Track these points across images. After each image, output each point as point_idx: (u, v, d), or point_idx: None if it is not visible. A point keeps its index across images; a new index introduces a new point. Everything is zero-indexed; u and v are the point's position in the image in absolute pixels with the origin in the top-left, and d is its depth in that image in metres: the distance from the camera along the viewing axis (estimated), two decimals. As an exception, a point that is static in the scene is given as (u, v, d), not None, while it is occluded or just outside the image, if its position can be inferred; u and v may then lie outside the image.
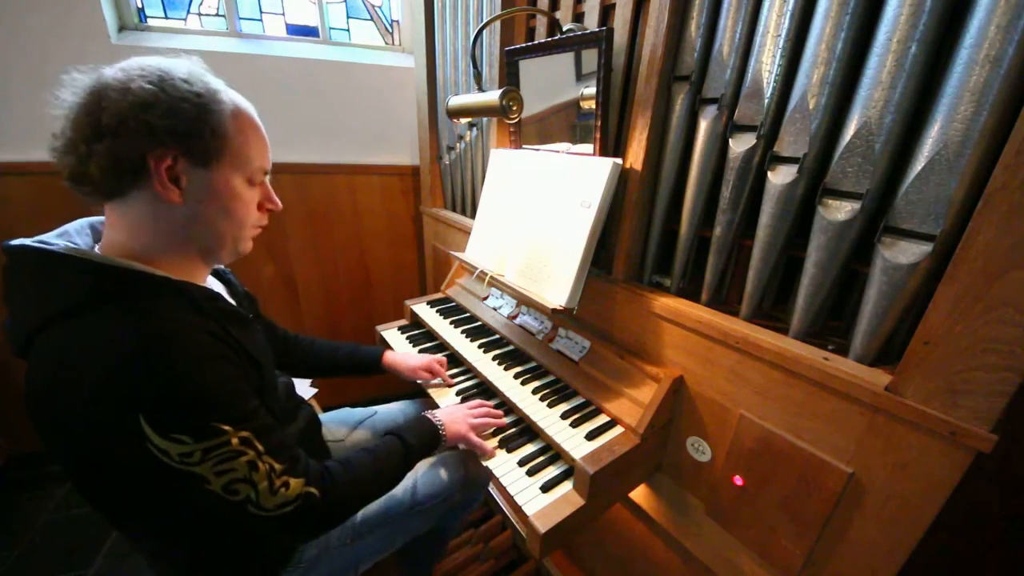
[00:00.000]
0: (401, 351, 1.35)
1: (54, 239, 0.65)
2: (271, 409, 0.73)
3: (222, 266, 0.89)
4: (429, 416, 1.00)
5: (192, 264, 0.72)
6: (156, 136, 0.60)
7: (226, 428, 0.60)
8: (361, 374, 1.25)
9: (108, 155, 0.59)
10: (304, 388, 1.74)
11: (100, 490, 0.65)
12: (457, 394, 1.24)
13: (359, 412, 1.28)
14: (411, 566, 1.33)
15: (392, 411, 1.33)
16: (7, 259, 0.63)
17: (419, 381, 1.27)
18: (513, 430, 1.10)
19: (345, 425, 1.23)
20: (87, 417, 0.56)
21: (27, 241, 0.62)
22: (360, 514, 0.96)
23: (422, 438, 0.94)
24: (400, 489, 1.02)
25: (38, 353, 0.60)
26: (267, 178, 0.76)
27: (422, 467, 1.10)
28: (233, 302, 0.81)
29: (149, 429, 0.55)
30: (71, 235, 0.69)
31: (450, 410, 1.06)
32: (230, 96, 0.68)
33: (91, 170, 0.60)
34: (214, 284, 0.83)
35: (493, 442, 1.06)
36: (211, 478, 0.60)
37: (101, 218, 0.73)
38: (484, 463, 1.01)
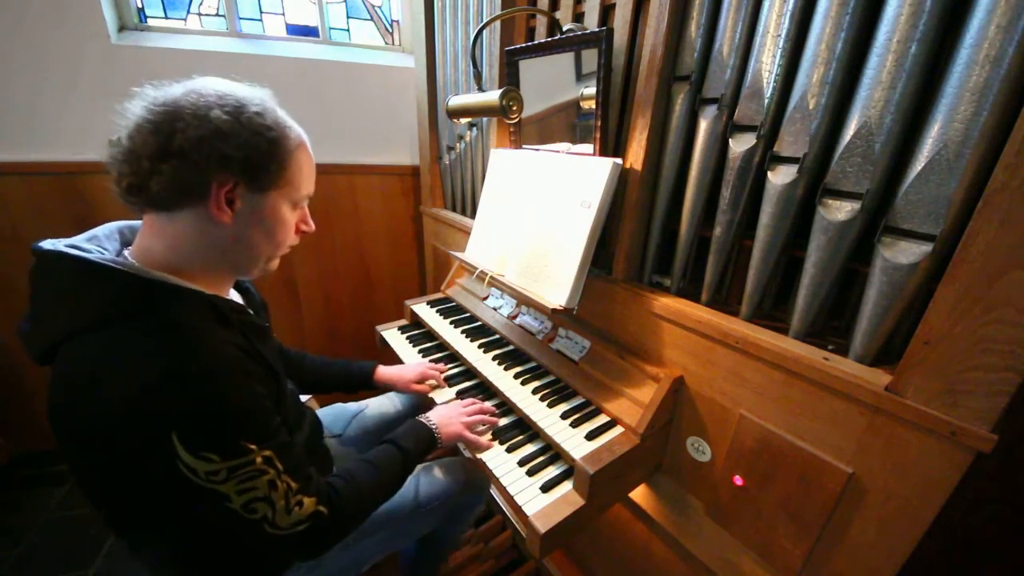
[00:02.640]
0: (394, 365, 1.32)
1: (85, 243, 0.65)
2: (286, 420, 0.73)
3: None
4: (423, 420, 1.01)
5: (221, 277, 0.73)
6: (227, 165, 0.62)
7: (252, 447, 0.61)
8: (353, 390, 1.24)
9: (174, 175, 0.60)
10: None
11: (115, 501, 0.65)
12: (457, 395, 1.24)
13: (351, 407, 1.29)
14: (415, 569, 1.33)
15: (382, 403, 1.34)
16: (37, 262, 0.62)
17: (417, 392, 1.26)
18: (513, 430, 1.11)
19: (339, 421, 1.23)
20: (118, 431, 0.56)
21: (61, 246, 0.62)
22: None
23: (419, 443, 0.95)
24: (402, 492, 1.02)
25: (67, 362, 0.59)
26: (306, 202, 0.78)
27: (424, 470, 1.12)
28: (251, 312, 0.81)
29: (180, 446, 0.56)
30: (100, 240, 0.69)
31: (443, 410, 1.06)
32: (294, 130, 0.70)
33: (151, 185, 0.60)
34: (234, 295, 0.84)
35: (493, 442, 1.06)
36: (233, 496, 0.60)
37: (130, 223, 0.74)
38: (484, 460, 1.02)
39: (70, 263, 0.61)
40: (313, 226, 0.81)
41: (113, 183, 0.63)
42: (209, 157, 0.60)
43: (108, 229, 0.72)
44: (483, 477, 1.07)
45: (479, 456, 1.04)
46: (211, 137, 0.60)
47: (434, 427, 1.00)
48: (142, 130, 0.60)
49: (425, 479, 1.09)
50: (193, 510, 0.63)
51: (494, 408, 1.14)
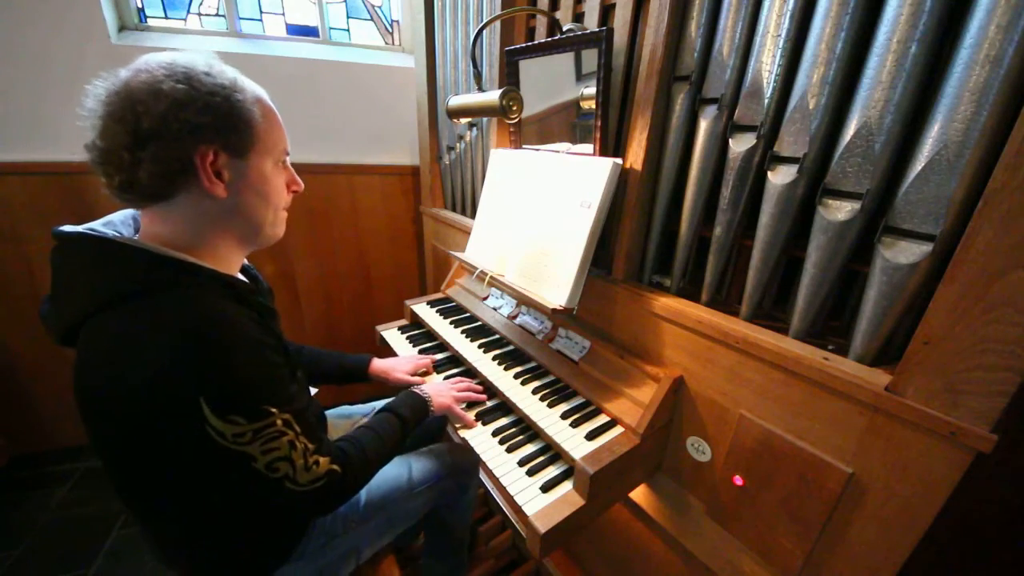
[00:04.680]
0: (389, 358, 1.34)
1: (102, 227, 0.67)
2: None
3: (247, 262, 0.92)
4: (417, 390, 1.08)
5: (230, 253, 0.75)
6: (199, 134, 0.62)
7: (273, 410, 0.65)
8: (347, 381, 1.27)
9: (156, 159, 0.61)
10: (305, 388, 1.74)
11: (141, 475, 0.67)
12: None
13: (357, 409, 1.29)
14: (440, 570, 1.36)
15: None
16: (57, 244, 0.65)
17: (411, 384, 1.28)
18: (512, 429, 1.11)
19: (344, 422, 1.23)
20: (147, 400, 0.58)
21: (80, 228, 0.65)
22: (363, 499, 1.00)
23: (414, 410, 1.02)
24: (396, 475, 1.07)
25: (90, 338, 0.62)
26: (288, 159, 0.79)
27: (416, 455, 1.16)
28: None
29: (208, 411, 0.58)
30: (116, 225, 0.71)
31: (435, 385, 1.16)
32: (248, 83, 0.70)
33: (140, 176, 0.61)
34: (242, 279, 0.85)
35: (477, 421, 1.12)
36: (258, 456, 0.64)
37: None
38: (484, 460, 1.02)
39: (90, 243, 0.63)
40: (302, 184, 0.82)
41: (104, 186, 0.64)
42: (180, 130, 0.61)
43: (123, 215, 0.75)
44: (470, 459, 1.12)
45: (476, 451, 1.05)
46: (173, 109, 0.60)
47: (427, 397, 1.07)
48: (107, 125, 0.61)
49: (417, 463, 1.13)
50: (221, 473, 0.66)
51: (480, 387, 1.22)
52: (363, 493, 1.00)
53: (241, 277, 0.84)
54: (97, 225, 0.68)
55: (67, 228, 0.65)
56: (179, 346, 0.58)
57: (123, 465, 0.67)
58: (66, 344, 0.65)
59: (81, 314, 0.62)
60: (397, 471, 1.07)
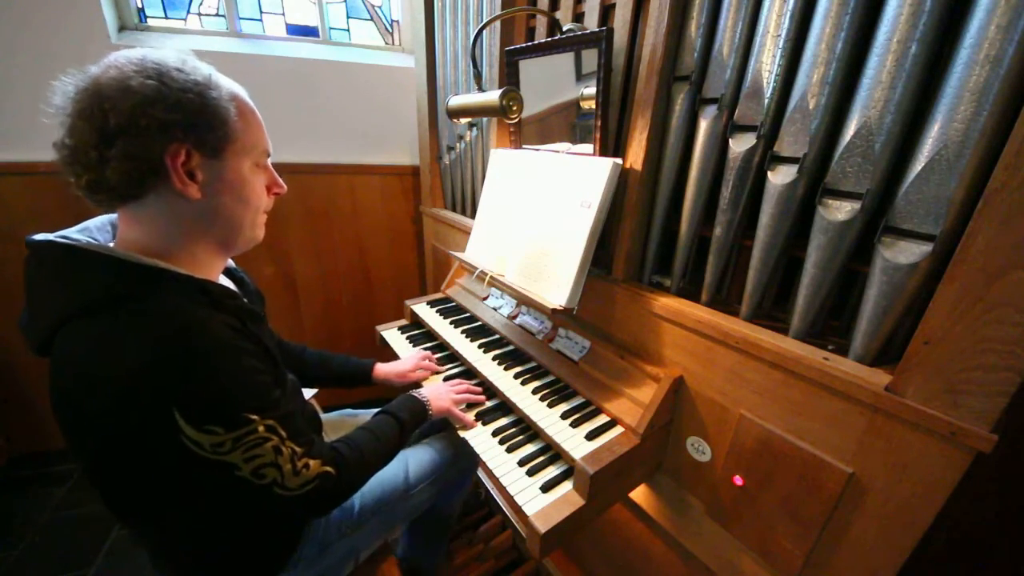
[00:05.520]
0: (391, 361, 1.34)
1: (76, 234, 0.66)
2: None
3: (234, 264, 0.91)
4: (415, 394, 1.07)
5: (210, 256, 0.72)
6: (169, 131, 0.60)
7: (253, 417, 0.63)
8: (351, 385, 1.26)
9: (124, 158, 0.58)
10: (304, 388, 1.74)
11: (123, 485, 0.66)
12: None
13: (359, 414, 1.29)
14: (419, 552, 1.36)
15: None
16: (30, 253, 0.63)
17: (417, 380, 1.28)
18: (512, 429, 1.11)
19: (344, 425, 1.23)
20: (120, 412, 0.57)
21: (51, 236, 0.63)
22: (357, 504, 0.99)
23: (412, 414, 1.01)
24: (393, 475, 1.07)
25: (64, 348, 0.60)
26: (269, 160, 0.76)
27: (412, 451, 1.15)
28: (245, 300, 0.81)
29: (183, 422, 0.57)
30: (92, 231, 0.69)
31: (434, 387, 1.14)
32: (223, 81, 0.68)
33: (108, 176, 0.59)
34: (226, 283, 0.84)
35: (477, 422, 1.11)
36: (241, 464, 0.62)
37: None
38: (484, 460, 1.02)
39: (60, 251, 0.61)
40: (284, 187, 0.79)
41: (73, 187, 0.62)
42: (149, 128, 0.58)
43: (100, 221, 0.73)
44: (470, 453, 1.10)
45: (476, 451, 1.05)
46: (141, 105, 0.57)
47: (425, 401, 1.06)
48: (75, 123, 0.58)
49: (414, 460, 1.12)
50: (205, 484, 0.65)
51: (479, 388, 1.21)
52: (356, 499, 0.99)
53: (225, 280, 0.82)
54: (71, 232, 0.66)
55: (38, 236, 0.62)
56: (151, 354, 0.56)
57: (102, 473, 0.66)
58: (42, 354, 0.63)
59: (54, 323, 0.60)
60: (393, 471, 1.06)
